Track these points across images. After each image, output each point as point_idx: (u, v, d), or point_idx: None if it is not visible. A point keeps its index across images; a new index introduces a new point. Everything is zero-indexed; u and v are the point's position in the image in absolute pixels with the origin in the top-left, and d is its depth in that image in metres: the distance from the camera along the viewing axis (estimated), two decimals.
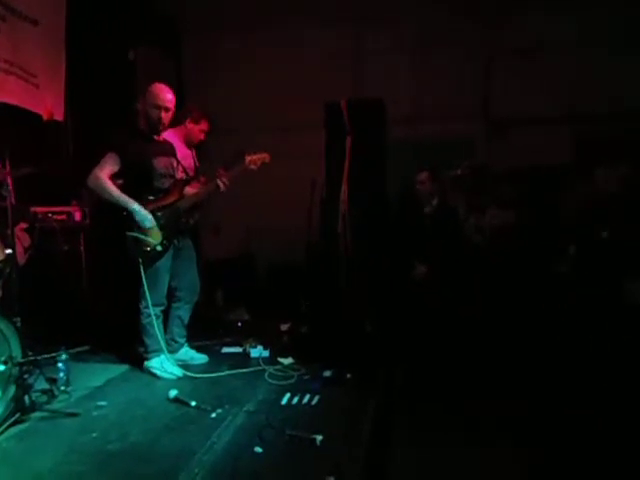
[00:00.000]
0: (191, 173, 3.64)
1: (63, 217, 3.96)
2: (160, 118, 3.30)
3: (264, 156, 3.50)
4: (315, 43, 5.68)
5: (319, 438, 2.37)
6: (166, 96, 3.31)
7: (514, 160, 5.07)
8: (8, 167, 3.09)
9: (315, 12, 5.46)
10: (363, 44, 5.84)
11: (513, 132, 5.52)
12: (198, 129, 3.82)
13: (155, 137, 3.40)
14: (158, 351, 3.35)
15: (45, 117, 4.21)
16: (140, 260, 3.25)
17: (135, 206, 3.22)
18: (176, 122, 3.62)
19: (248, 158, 3.46)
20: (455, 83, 5.54)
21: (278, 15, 5.47)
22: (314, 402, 2.85)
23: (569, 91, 5.24)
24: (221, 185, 3.41)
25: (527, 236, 4.20)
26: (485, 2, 5.45)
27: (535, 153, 5.06)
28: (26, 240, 3.63)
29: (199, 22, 5.74)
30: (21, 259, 3.45)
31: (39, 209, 3.84)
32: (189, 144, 3.86)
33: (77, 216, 4.03)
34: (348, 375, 3.21)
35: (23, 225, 3.62)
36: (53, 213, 3.90)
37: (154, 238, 3.28)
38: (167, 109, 3.31)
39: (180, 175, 3.49)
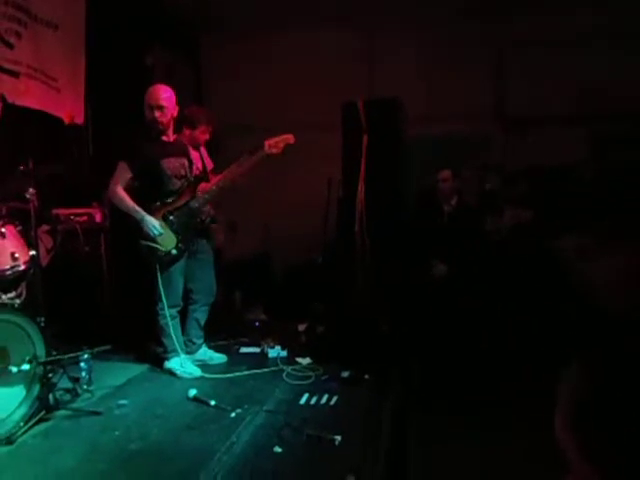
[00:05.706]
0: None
1: (84, 219, 4.00)
2: (155, 117, 3.20)
3: (286, 137, 3.30)
4: (331, 44, 5.68)
5: (338, 438, 2.37)
6: (158, 95, 3.21)
7: (531, 159, 5.00)
8: (32, 168, 3.13)
9: (330, 13, 5.45)
10: (377, 44, 5.82)
11: (529, 131, 5.44)
12: (198, 132, 3.58)
13: (164, 139, 3.33)
14: (177, 351, 3.38)
15: (66, 120, 4.27)
16: (157, 265, 3.26)
17: (141, 215, 3.21)
18: (178, 129, 3.49)
19: (267, 143, 3.27)
20: (471, 81, 5.48)
21: (294, 16, 5.48)
22: (332, 402, 2.85)
23: (586, 89, 5.15)
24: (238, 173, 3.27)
25: (544, 235, 4.14)
26: None
27: (552, 152, 4.99)
28: (49, 242, 3.70)
29: (216, 24, 5.78)
30: (44, 260, 3.50)
31: (61, 211, 3.89)
32: (195, 146, 3.68)
33: (98, 217, 4.07)
34: (366, 375, 3.21)
35: (45, 227, 3.68)
36: (75, 215, 3.94)
37: (168, 243, 3.27)
38: (160, 107, 3.19)
39: (194, 174, 3.42)
